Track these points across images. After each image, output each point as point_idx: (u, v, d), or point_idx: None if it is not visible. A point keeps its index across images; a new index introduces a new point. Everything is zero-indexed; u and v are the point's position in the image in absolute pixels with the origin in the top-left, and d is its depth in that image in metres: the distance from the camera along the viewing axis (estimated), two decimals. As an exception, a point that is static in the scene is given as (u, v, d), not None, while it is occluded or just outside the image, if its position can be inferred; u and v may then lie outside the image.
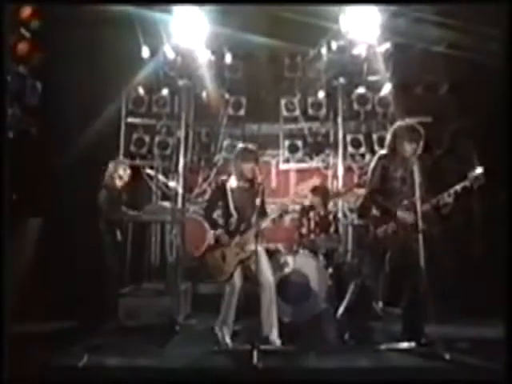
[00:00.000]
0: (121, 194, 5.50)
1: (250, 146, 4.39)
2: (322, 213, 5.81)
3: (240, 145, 4.39)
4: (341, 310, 4.85)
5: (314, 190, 5.77)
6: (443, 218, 4.15)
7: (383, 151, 4.36)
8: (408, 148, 4.13)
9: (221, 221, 4.39)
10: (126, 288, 5.50)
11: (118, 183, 5.43)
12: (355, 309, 4.75)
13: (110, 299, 5.09)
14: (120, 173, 5.40)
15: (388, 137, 4.35)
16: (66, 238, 5.70)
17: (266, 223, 4.19)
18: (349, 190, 5.78)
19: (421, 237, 3.88)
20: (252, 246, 4.02)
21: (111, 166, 5.46)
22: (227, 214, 4.30)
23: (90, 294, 5.01)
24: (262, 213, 4.28)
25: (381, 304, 5.17)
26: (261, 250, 4.17)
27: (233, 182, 4.32)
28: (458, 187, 3.98)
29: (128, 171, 5.52)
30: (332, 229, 5.80)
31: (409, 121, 4.37)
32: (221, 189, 4.33)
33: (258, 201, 4.11)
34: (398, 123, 4.33)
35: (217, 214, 4.43)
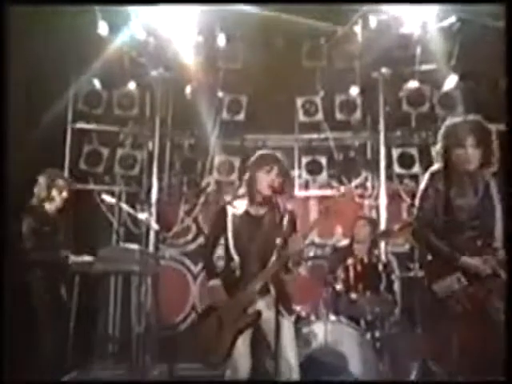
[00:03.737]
0: (55, 224, 4.56)
1: (272, 152, 3.54)
2: (365, 260, 4.76)
3: (259, 152, 3.55)
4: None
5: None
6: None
7: (436, 166, 3.55)
8: (471, 157, 3.24)
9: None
10: (67, 374, 4.55)
11: (48, 207, 4.49)
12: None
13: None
14: (52, 193, 4.50)
15: (438, 143, 3.48)
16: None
17: (263, 277, 3.20)
18: (406, 226, 4.59)
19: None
20: (260, 306, 3.19)
21: (42, 180, 4.51)
22: (227, 256, 3.43)
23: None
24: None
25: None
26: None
27: (239, 207, 3.39)
28: None
29: (64, 191, 4.58)
30: (383, 285, 4.70)
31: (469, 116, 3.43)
32: (220, 217, 3.49)
33: (283, 235, 3.16)
34: (452, 120, 3.44)
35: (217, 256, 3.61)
